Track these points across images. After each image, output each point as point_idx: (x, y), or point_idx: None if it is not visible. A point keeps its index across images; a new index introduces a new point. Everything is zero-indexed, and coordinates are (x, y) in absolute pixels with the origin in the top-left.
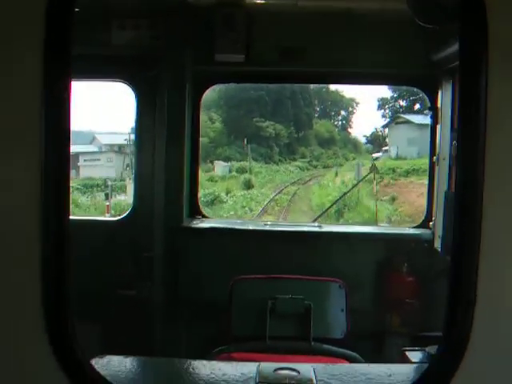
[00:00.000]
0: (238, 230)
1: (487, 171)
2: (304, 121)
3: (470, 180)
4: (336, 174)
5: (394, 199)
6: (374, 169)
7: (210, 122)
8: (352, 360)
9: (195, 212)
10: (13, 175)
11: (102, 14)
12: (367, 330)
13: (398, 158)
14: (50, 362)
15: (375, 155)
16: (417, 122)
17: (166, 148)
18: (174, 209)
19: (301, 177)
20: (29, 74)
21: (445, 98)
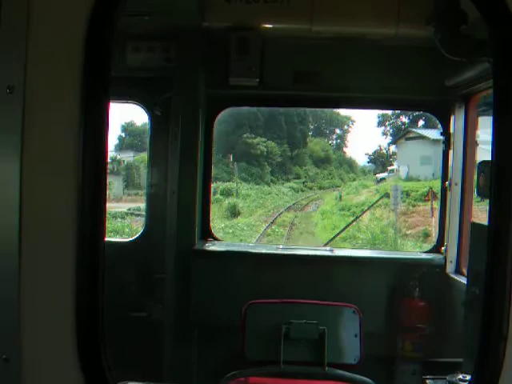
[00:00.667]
0: (250, 254)
1: None
2: (298, 138)
3: (505, 212)
4: (340, 198)
5: (427, 235)
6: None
7: None
8: None
9: (207, 235)
10: (52, 200)
11: (116, 36)
12: (380, 355)
13: (408, 178)
14: None
15: (379, 176)
16: (431, 137)
17: (179, 170)
18: (186, 231)
19: (296, 200)
20: (68, 97)
21: (457, 124)
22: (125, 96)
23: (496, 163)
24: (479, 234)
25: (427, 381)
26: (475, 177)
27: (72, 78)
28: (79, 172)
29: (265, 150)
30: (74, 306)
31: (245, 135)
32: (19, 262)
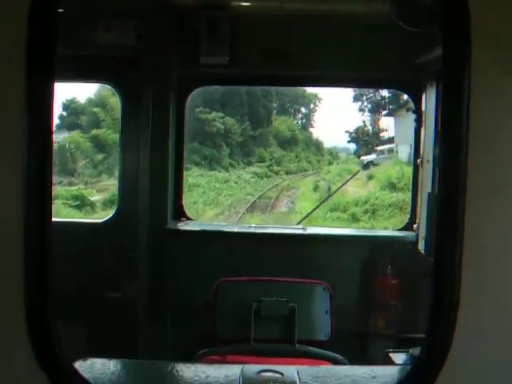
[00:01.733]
0: (222, 233)
1: (469, 171)
2: (262, 115)
3: (453, 180)
4: (329, 190)
5: None
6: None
7: None
8: (336, 362)
9: (180, 214)
10: None
11: (86, 15)
12: (351, 331)
13: (411, 161)
14: (31, 364)
15: (366, 158)
16: None
17: (150, 150)
18: (158, 211)
19: (262, 190)
20: (11, 75)
21: (429, 101)
22: (95, 76)
23: (443, 129)
24: (435, 203)
25: (391, 354)
26: None
27: (15, 53)
28: (24, 154)
29: (222, 127)
30: (23, 287)
31: (197, 109)
32: None
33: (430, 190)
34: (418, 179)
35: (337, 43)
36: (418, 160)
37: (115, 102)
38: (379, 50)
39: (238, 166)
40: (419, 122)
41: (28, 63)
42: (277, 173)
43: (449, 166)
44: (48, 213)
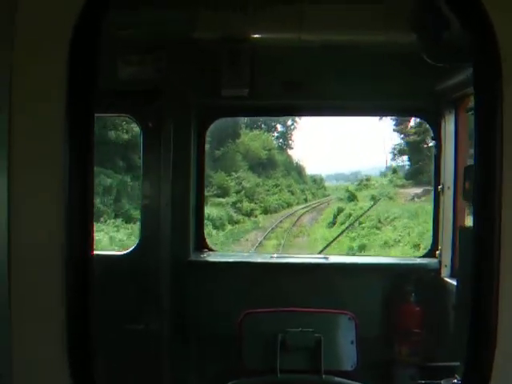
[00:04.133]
0: (245, 264)
1: (504, 209)
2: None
3: (488, 217)
4: None
5: None
6: None
7: None
8: None
9: (202, 245)
10: (39, 215)
11: (106, 49)
12: (376, 361)
13: None
14: None
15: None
16: None
17: (172, 181)
18: (180, 242)
19: None
20: (53, 109)
21: (448, 128)
22: (117, 109)
23: (478, 167)
24: (467, 238)
25: None
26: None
27: (57, 86)
28: (66, 187)
29: None
30: (65, 320)
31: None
32: (8, 277)
33: (451, 217)
34: (439, 206)
35: (355, 72)
36: (439, 187)
37: None
38: (397, 78)
39: None
40: (439, 148)
41: (70, 98)
42: (249, 213)
43: (485, 203)
44: (90, 243)
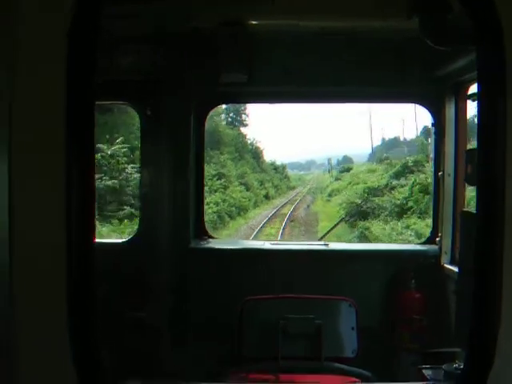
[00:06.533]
0: (245, 250)
1: (508, 192)
2: None
3: (491, 200)
4: None
5: None
6: None
7: None
8: (364, 378)
9: (201, 233)
10: (42, 203)
11: (105, 40)
12: (377, 347)
13: None
14: None
15: None
16: None
17: (172, 169)
18: (181, 230)
19: None
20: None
21: (448, 115)
22: (116, 97)
23: (481, 151)
24: (469, 223)
25: (423, 371)
26: None
27: (57, 78)
28: (66, 175)
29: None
30: (67, 309)
31: None
32: (10, 266)
33: (451, 204)
34: (439, 193)
35: (354, 59)
36: (439, 173)
37: None
38: (397, 64)
39: None
40: (439, 135)
41: (69, 91)
42: None
43: (487, 186)
44: (92, 231)
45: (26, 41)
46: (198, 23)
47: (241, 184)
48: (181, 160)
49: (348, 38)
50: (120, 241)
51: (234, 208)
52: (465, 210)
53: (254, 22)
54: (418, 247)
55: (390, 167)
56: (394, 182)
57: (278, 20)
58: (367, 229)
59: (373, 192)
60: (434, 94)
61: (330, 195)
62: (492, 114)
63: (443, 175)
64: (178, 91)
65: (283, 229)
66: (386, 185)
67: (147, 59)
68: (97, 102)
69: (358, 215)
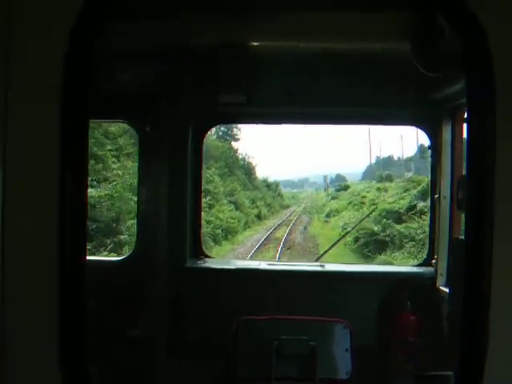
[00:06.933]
0: (242, 270)
1: (497, 221)
2: None
3: (479, 227)
4: None
5: None
6: None
7: None
8: None
9: (198, 252)
10: (33, 219)
11: (103, 56)
12: (372, 369)
13: None
14: None
15: None
16: None
17: (168, 188)
18: (177, 249)
19: None
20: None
21: (445, 137)
22: (114, 114)
23: (470, 177)
24: (459, 248)
25: None
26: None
27: (52, 95)
28: (59, 190)
29: None
30: (57, 322)
31: None
32: (2, 282)
33: (447, 227)
34: (435, 215)
35: (353, 80)
36: (435, 196)
37: None
38: (395, 87)
39: None
40: (435, 158)
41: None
42: None
43: (476, 212)
44: (83, 248)
45: (23, 59)
46: (198, 43)
47: (230, 202)
48: (178, 179)
49: (348, 59)
50: (116, 259)
51: (220, 230)
52: (457, 236)
53: (254, 43)
54: (415, 269)
55: (412, 184)
56: (421, 204)
57: (279, 41)
58: (389, 264)
59: (392, 216)
60: (431, 117)
61: (327, 215)
62: (481, 139)
63: (439, 198)
64: (177, 109)
65: (278, 259)
66: (410, 207)
67: (147, 76)
68: (96, 120)
69: (373, 245)
